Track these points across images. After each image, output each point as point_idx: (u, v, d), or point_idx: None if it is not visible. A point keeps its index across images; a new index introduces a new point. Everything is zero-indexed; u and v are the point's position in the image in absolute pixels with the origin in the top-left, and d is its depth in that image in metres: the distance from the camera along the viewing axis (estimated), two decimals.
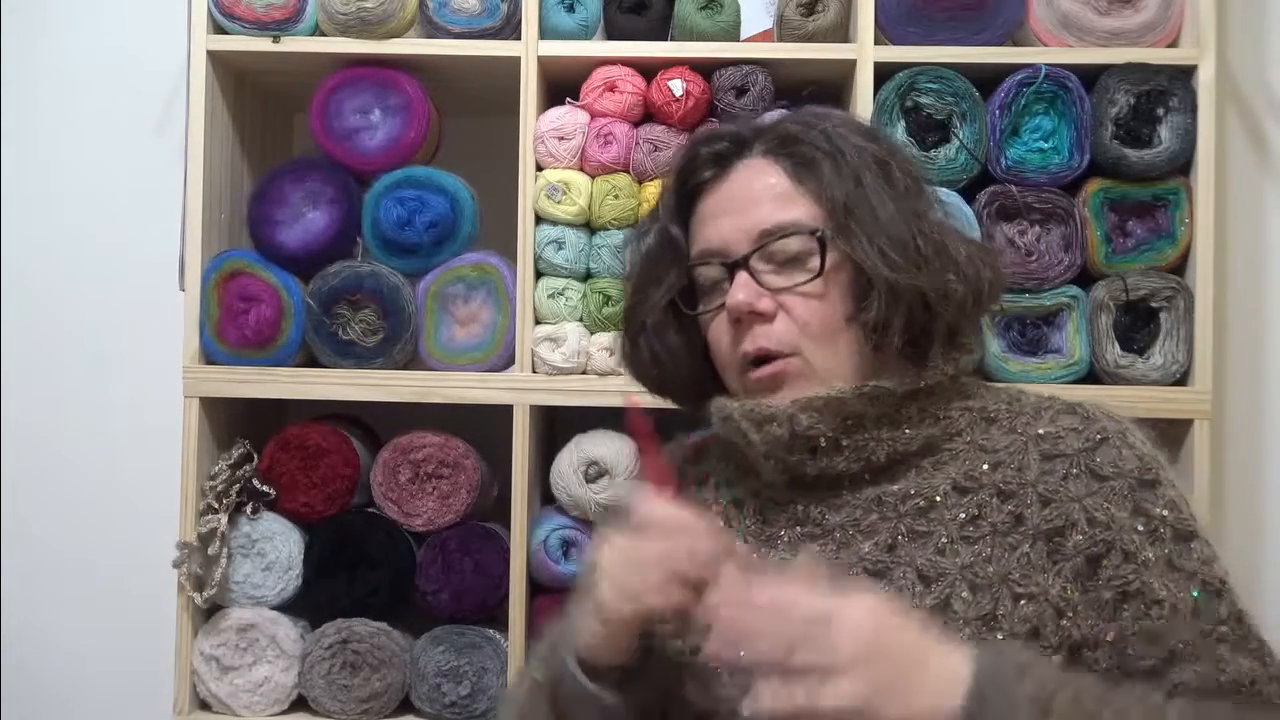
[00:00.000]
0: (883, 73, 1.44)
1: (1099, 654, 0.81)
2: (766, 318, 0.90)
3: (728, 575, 0.78)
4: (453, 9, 1.49)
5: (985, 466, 0.88)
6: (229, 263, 1.50)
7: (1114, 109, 1.43)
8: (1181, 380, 1.44)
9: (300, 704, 1.52)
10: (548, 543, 1.48)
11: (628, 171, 1.50)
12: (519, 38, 1.48)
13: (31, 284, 1.81)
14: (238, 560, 1.49)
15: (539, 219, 1.49)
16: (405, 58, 1.50)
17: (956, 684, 0.71)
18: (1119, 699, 0.73)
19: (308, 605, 1.52)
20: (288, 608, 1.52)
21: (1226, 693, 0.78)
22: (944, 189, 1.40)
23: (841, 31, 1.49)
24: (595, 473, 1.47)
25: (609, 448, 1.47)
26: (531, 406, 1.47)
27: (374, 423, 1.67)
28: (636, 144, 1.49)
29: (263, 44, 1.49)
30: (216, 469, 1.49)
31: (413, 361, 1.52)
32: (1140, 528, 0.83)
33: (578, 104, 1.49)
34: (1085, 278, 1.46)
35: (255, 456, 1.52)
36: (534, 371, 1.47)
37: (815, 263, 0.90)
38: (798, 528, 0.91)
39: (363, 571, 1.49)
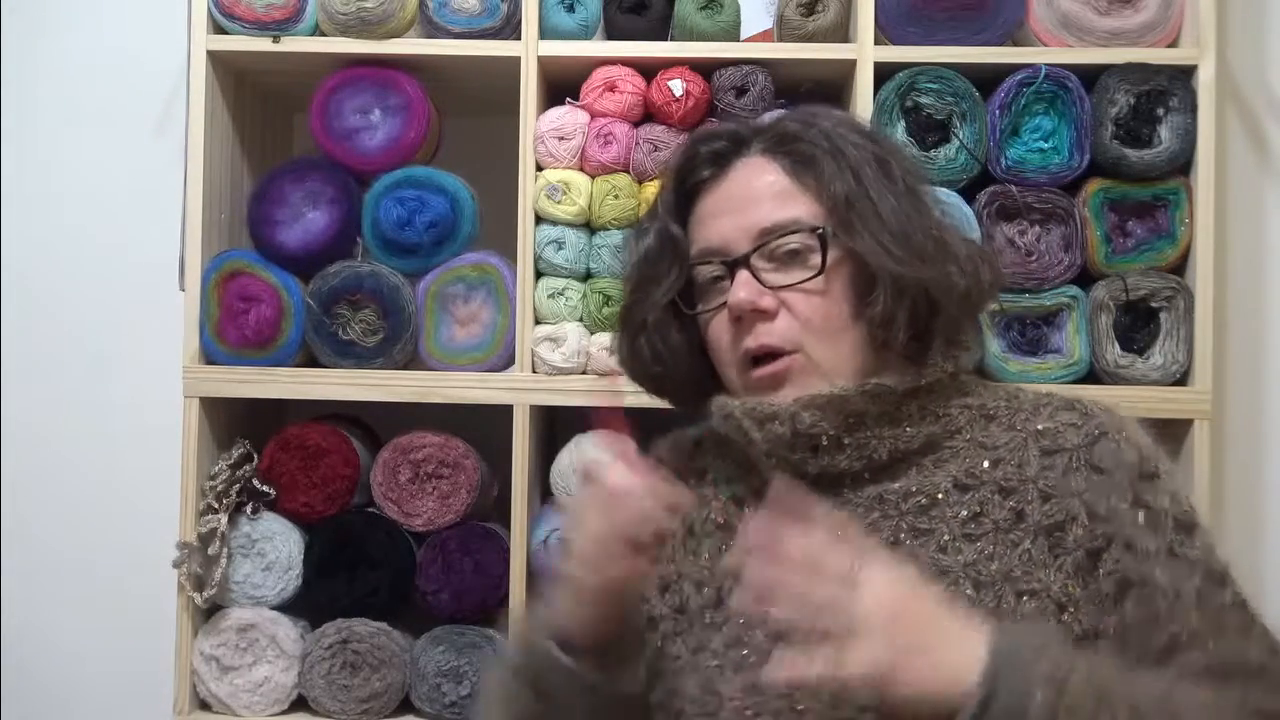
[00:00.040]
0: (883, 73, 1.44)
1: (1102, 646, 0.81)
2: (768, 315, 0.90)
3: (759, 527, 0.77)
4: (453, 9, 1.49)
5: (986, 464, 0.88)
6: (229, 263, 1.50)
7: (1114, 109, 1.43)
8: (1181, 380, 1.44)
9: (300, 704, 1.52)
10: (548, 543, 1.48)
11: (628, 171, 1.50)
12: (519, 38, 1.48)
13: (31, 284, 1.81)
14: (238, 560, 1.49)
15: (539, 219, 1.49)
16: (405, 58, 1.50)
17: (974, 660, 0.71)
18: (1133, 678, 0.73)
19: (308, 605, 1.52)
20: (288, 608, 1.52)
21: (1233, 676, 0.78)
22: (944, 189, 1.40)
23: (841, 31, 1.49)
24: None
25: None
26: (531, 406, 1.47)
27: (374, 423, 1.67)
28: (636, 144, 1.49)
29: (263, 44, 1.49)
30: (216, 469, 1.49)
31: (413, 361, 1.52)
32: (1141, 519, 0.83)
33: (578, 104, 1.49)
34: (1085, 278, 1.46)
35: (255, 456, 1.52)
36: (534, 371, 1.47)
37: (816, 260, 0.90)
38: None
39: (363, 571, 1.49)
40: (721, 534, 0.93)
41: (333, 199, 1.50)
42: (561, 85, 1.52)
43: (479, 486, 1.51)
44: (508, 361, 1.49)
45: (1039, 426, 0.88)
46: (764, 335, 0.91)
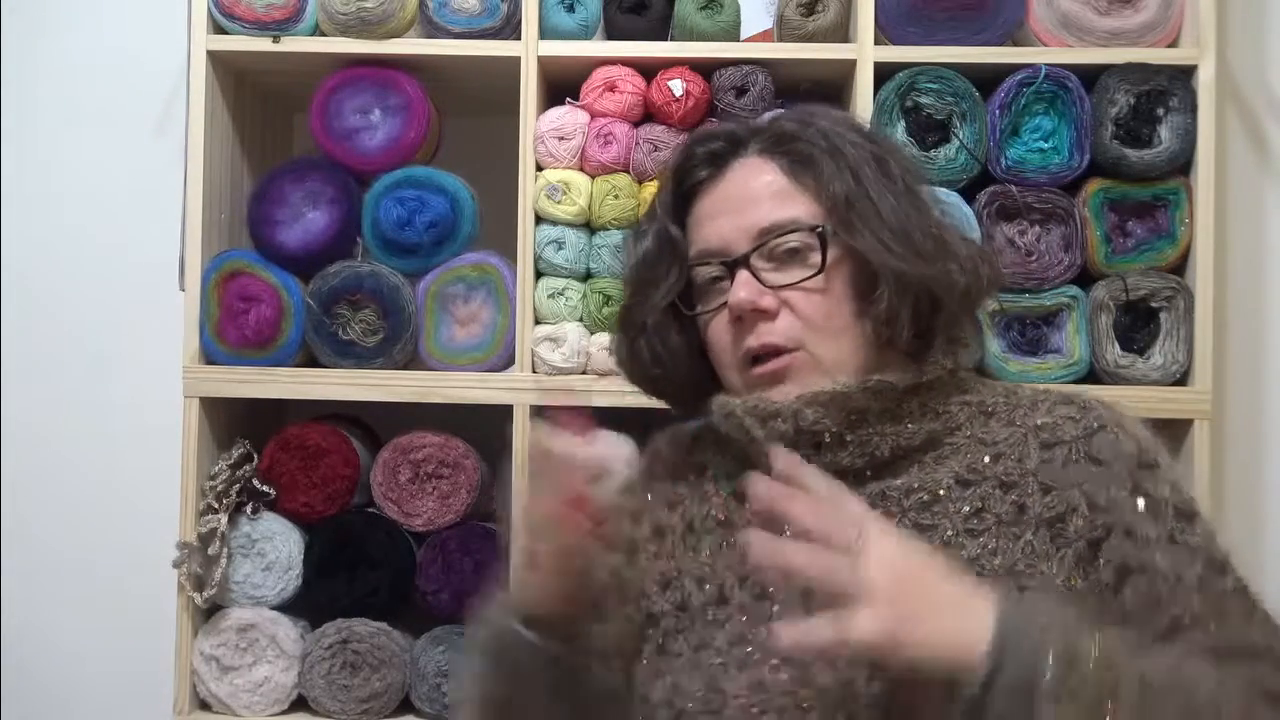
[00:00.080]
0: (883, 73, 1.44)
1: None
2: (769, 315, 0.91)
3: (762, 493, 0.77)
4: (453, 9, 1.49)
5: (987, 459, 0.88)
6: (229, 263, 1.50)
7: (1114, 109, 1.43)
8: (1181, 380, 1.44)
9: (300, 704, 1.52)
10: None
11: (628, 171, 1.50)
12: (519, 38, 1.48)
13: (31, 284, 1.81)
14: (238, 560, 1.49)
15: (539, 219, 1.49)
16: (405, 58, 1.50)
17: (982, 627, 0.70)
18: (1143, 650, 0.73)
19: (308, 605, 1.52)
20: (288, 608, 1.52)
21: (1237, 657, 0.78)
22: (944, 189, 1.40)
23: (841, 31, 1.49)
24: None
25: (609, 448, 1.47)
26: (531, 406, 1.47)
27: (374, 423, 1.67)
28: (636, 144, 1.49)
29: (263, 44, 1.49)
30: (216, 469, 1.49)
31: (413, 361, 1.52)
32: (1141, 507, 0.83)
33: (578, 104, 1.49)
34: (1085, 278, 1.46)
35: (255, 456, 1.52)
36: (534, 371, 1.47)
37: (816, 258, 0.91)
38: None
39: (363, 571, 1.49)
40: (722, 530, 0.93)
41: (333, 199, 1.50)
42: (561, 85, 1.52)
43: (479, 486, 1.51)
44: (508, 361, 1.49)
45: (1038, 421, 0.89)
46: (765, 334, 0.91)
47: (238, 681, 1.49)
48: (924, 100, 1.44)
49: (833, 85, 1.53)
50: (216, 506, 1.47)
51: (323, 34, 1.50)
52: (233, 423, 1.55)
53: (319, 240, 1.49)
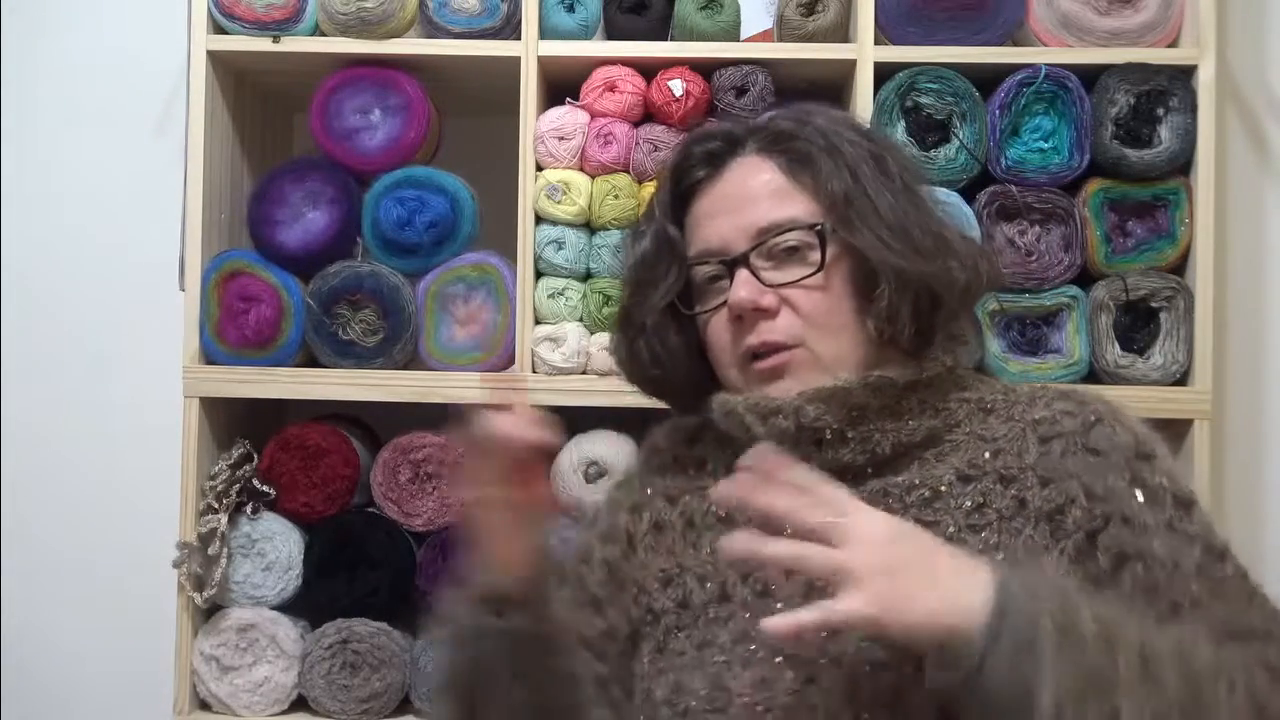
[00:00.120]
0: (883, 73, 1.44)
1: None
2: (769, 314, 0.91)
3: (743, 479, 0.77)
4: (453, 9, 1.49)
5: (987, 454, 0.88)
6: (229, 263, 1.50)
7: (1114, 109, 1.43)
8: (1181, 380, 1.44)
9: (300, 704, 1.52)
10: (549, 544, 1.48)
11: (628, 171, 1.50)
12: (519, 38, 1.48)
13: (31, 284, 1.81)
14: (238, 560, 1.49)
15: (539, 219, 1.49)
16: (405, 58, 1.50)
17: (979, 598, 0.70)
18: (1143, 622, 0.73)
19: (308, 605, 1.52)
20: (288, 608, 1.52)
21: (1237, 639, 0.78)
22: (944, 189, 1.40)
23: (841, 31, 1.49)
24: (595, 473, 1.47)
25: (609, 448, 1.47)
26: (531, 407, 1.46)
27: (374, 423, 1.67)
28: (636, 144, 1.49)
29: (263, 44, 1.49)
30: (216, 469, 1.49)
31: (413, 361, 1.52)
32: (1139, 495, 0.83)
33: (578, 104, 1.49)
34: (1085, 278, 1.46)
35: (255, 456, 1.52)
36: (534, 371, 1.47)
37: (815, 256, 0.91)
38: None
39: (363, 571, 1.49)
40: (722, 526, 0.93)
41: (333, 199, 1.50)
42: (561, 85, 1.52)
43: None
44: (508, 361, 1.49)
45: (1036, 416, 0.89)
46: (766, 333, 0.91)
47: (238, 681, 1.49)
48: (924, 100, 1.44)
49: (833, 85, 1.53)
50: (216, 506, 1.47)
51: (323, 34, 1.50)
52: (233, 423, 1.55)
53: (319, 240, 1.49)
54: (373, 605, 1.49)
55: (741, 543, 0.75)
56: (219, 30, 1.50)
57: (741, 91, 1.47)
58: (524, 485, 0.86)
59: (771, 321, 0.91)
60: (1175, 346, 1.43)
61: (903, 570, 0.71)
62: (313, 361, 1.52)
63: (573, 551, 1.04)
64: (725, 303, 0.93)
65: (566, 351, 1.46)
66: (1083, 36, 1.45)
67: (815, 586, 0.74)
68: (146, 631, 1.62)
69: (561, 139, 1.48)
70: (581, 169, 1.49)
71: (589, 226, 1.51)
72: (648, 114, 1.50)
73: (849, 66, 1.46)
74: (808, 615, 0.71)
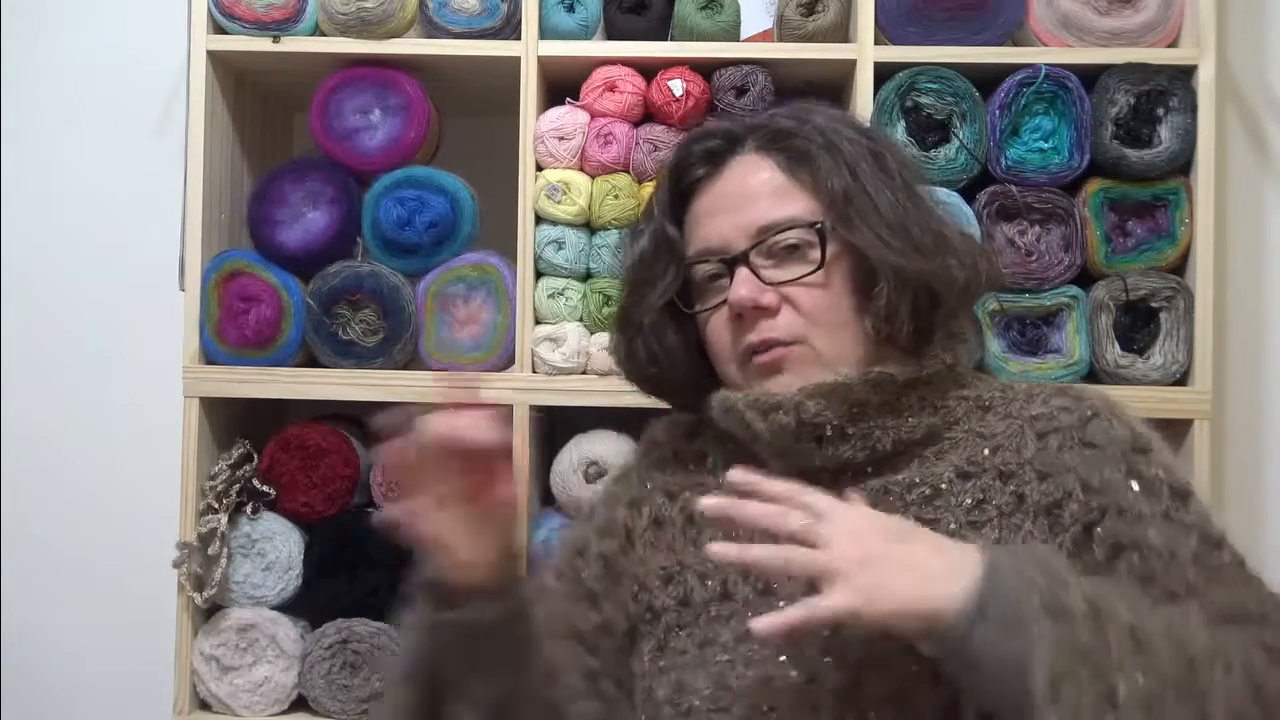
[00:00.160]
0: (883, 73, 1.44)
1: None
2: (770, 312, 0.91)
3: (720, 503, 0.79)
4: (453, 9, 1.49)
5: (986, 452, 0.88)
6: (229, 263, 1.50)
7: (1114, 109, 1.43)
8: (1181, 380, 1.44)
9: (300, 704, 1.52)
10: (549, 543, 1.48)
11: (628, 171, 1.50)
12: (519, 38, 1.48)
13: (31, 284, 1.81)
14: (238, 560, 1.49)
15: (539, 219, 1.49)
16: (405, 58, 1.50)
17: (966, 579, 0.71)
18: (1134, 601, 0.73)
19: (308, 605, 1.52)
20: (288, 608, 1.52)
21: (1234, 622, 0.78)
22: (944, 189, 1.40)
23: (841, 31, 1.49)
24: (595, 473, 1.47)
25: (609, 448, 1.47)
26: (531, 406, 1.47)
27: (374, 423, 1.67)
28: (636, 144, 1.49)
29: (263, 44, 1.49)
30: (216, 469, 1.49)
31: (413, 361, 1.52)
32: (1135, 486, 0.84)
33: (578, 104, 1.49)
34: (1085, 278, 1.46)
35: (255, 456, 1.52)
36: (534, 371, 1.47)
37: (815, 254, 0.91)
38: None
39: (363, 571, 1.49)
40: (722, 523, 0.94)
41: (333, 199, 1.50)
42: (561, 85, 1.52)
43: None
44: (508, 361, 1.49)
45: (1033, 412, 0.89)
46: (767, 330, 0.91)
47: (238, 681, 1.49)
48: (924, 100, 1.44)
49: (833, 85, 1.53)
50: (216, 506, 1.47)
51: (323, 34, 1.50)
52: (233, 423, 1.55)
53: (319, 240, 1.49)
54: (373, 605, 1.49)
55: (726, 550, 0.76)
56: (219, 30, 1.49)
57: (741, 91, 1.47)
58: (481, 486, 0.83)
59: (772, 319, 0.91)
60: (1175, 346, 1.43)
61: (881, 562, 0.72)
62: (313, 361, 1.52)
63: (568, 545, 1.05)
64: (725, 301, 0.93)
65: (566, 351, 1.46)
66: (1083, 36, 1.45)
67: (816, 586, 0.75)
68: (146, 631, 1.62)
69: (561, 139, 1.48)
70: (581, 169, 1.49)
71: (589, 226, 1.51)
72: (648, 114, 1.50)
73: (849, 66, 1.46)
74: (794, 613, 0.71)
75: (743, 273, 0.91)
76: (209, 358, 1.50)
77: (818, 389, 0.88)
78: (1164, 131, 1.44)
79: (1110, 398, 0.91)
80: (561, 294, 1.49)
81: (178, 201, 1.53)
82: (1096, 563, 0.82)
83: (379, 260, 1.50)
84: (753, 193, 0.94)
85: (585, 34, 1.50)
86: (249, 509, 1.50)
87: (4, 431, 1.80)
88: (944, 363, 0.91)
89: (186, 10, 1.52)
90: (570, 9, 1.49)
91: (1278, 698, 0.73)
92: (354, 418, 1.66)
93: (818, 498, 0.77)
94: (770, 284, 0.91)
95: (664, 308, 0.98)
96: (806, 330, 0.90)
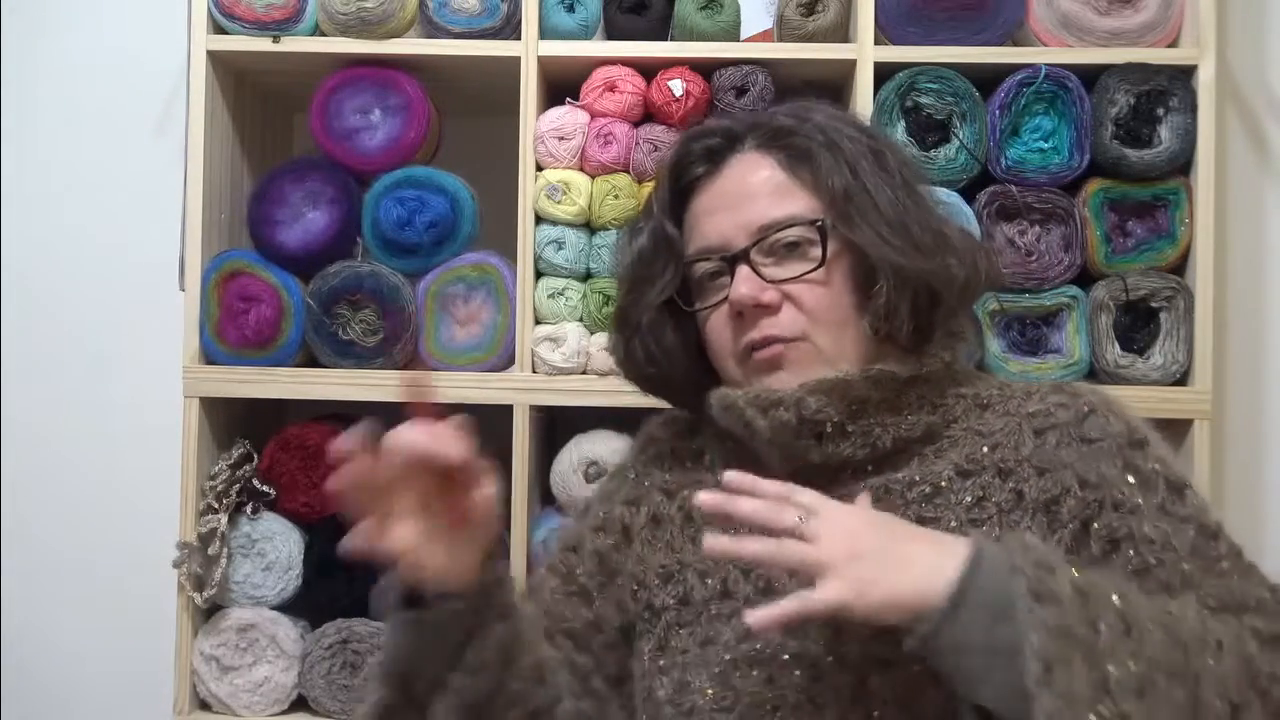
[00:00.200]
0: (883, 73, 1.44)
1: None
2: (771, 310, 0.91)
3: (715, 499, 0.79)
4: (453, 9, 1.49)
5: (985, 449, 0.88)
6: (229, 263, 1.50)
7: (1114, 109, 1.43)
8: (1181, 380, 1.44)
9: (300, 704, 1.52)
10: (548, 543, 1.48)
11: (628, 171, 1.50)
12: (519, 38, 1.48)
13: (31, 284, 1.81)
14: (238, 560, 1.49)
15: (539, 219, 1.49)
16: (405, 58, 1.50)
17: (946, 577, 0.72)
18: (1125, 588, 0.74)
19: (308, 605, 1.52)
20: (288, 608, 1.52)
21: (1230, 610, 0.78)
22: (944, 189, 1.40)
23: (841, 31, 1.49)
24: (595, 473, 1.47)
25: (609, 448, 1.47)
26: (531, 406, 1.47)
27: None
28: (636, 144, 1.49)
29: (263, 44, 1.49)
30: (216, 469, 1.49)
31: (413, 361, 1.52)
32: (1131, 479, 0.84)
33: (578, 104, 1.49)
34: (1085, 278, 1.46)
35: (255, 456, 1.52)
36: (534, 371, 1.47)
37: (816, 252, 0.91)
38: None
39: (362, 571, 1.48)
40: (722, 521, 0.94)
41: (333, 199, 1.50)
42: (561, 85, 1.52)
43: None
44: (508, 361, 1.49)
45: (1030, 409, 0.89)
46: (768, 328, 0.91)
47: (238, 681, 1.49)
48: (924, 100, 1.44)
49: (833, 85, 1.53)
50: (216, 506, 1.47)
51: (323, 34, 1.50)
52: (233, 423, 1.55)
53: (319, 240, 1.49)
54: (373, 605, 1.49)
55: (722, 543, 0.76)
56: (219, 30, 1.49)
57: (741, 91, 1.47)
58: (451, 499, 0.80)
59: (774, 317, 0.91)
60: (1175, 346, 1.43)
61: (871, 556, 0.73)
62: (313, 361, 1.52)
63: (562, 541, 1.04)
64: (725, 299, 0.93)
65: (566, 351, 1.46)
66: (1083, 36, 1.45)
67: (812, 582, 0.75)
68: (146, 631, 1.62)
69: (561, 139, 1.48)
70: (581, 169, 1.49)
71: (589, 226, 1.51)
72: (648, 114, 1.50)
73: (849, 66, 1.46)
74: (788, 605, 0.72)
75: (744, 270, 0.91)
76: (209, 358, 1.50)
77: (818, 385, 0.88)
78: (1164, 131, 1.44)
79: (1107, 394, 0.91)
80: (561, 294, 1.49)
81: (178, 201, 1.53)
82: (1094, 558, 0.82)
83: (379, 260, 1.50)
84: (753, 191, 0.93)
85: (585, 34, 1.50)
86: (249, 509, 1.50)
87: (4, 431, 1.80)
88: (943, 361, 0.91)
89: (186, 10, 1.52)
90: (570, 9, 1.49)
91: (1272, 683, 0.73)
92: (354, 418, 1.66)
93: (810, 495, 0.78)
94: (771, 282, 0.91)
95: (662, 306, 0.98)
96: (808, 328, 0.90)
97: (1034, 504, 0.85)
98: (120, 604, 1.75)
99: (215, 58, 1.50)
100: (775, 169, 0.94)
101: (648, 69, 1.49)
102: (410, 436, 0.79)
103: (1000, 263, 1.35)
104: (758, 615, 0.73)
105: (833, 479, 0.89)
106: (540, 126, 1.48)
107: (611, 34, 1.51)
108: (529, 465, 1.46)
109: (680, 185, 0.99)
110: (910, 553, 0.74)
